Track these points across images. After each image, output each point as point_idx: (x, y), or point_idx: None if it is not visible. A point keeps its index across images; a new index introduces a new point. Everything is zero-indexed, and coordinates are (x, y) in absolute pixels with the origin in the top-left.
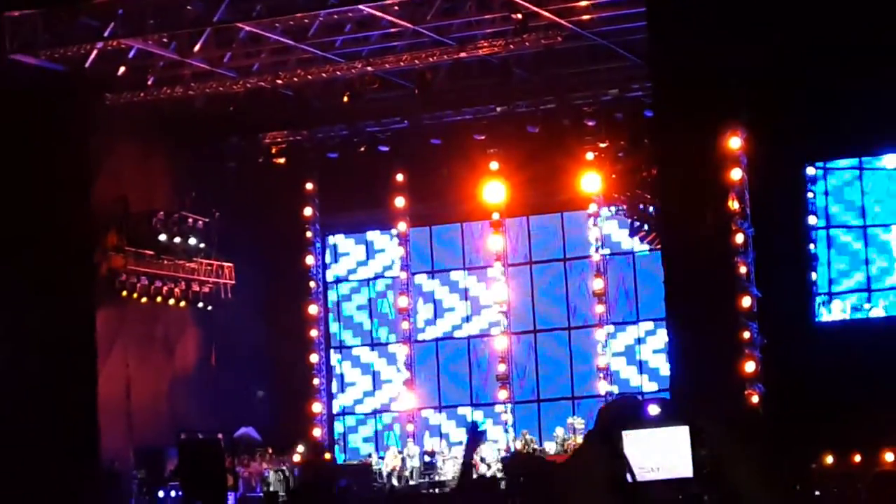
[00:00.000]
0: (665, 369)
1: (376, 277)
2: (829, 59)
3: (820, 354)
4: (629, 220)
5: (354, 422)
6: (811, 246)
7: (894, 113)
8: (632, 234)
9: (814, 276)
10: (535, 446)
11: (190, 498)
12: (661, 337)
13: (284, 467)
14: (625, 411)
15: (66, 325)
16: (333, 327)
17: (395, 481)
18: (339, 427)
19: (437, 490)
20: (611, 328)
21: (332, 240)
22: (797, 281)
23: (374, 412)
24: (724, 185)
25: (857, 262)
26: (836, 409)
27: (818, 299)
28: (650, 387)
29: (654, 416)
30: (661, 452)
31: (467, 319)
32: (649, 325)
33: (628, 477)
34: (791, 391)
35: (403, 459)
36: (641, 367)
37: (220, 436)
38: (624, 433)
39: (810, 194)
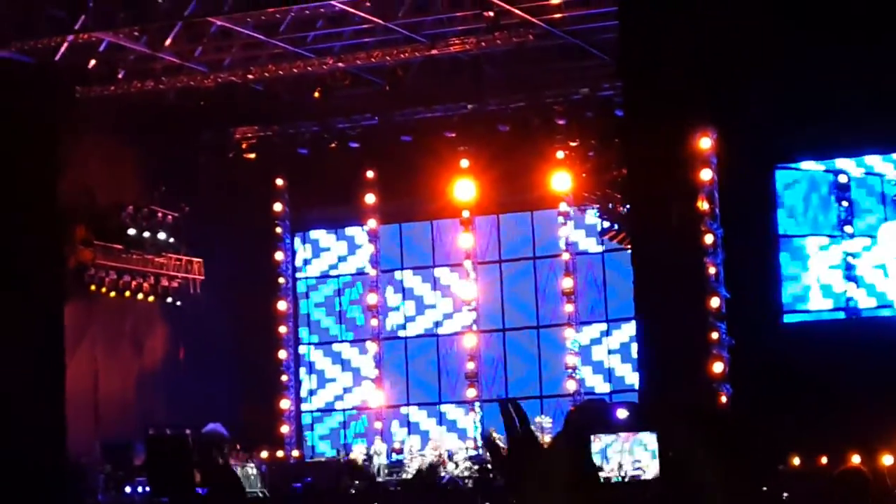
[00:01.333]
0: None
1: (345, 275)
2: (801, 59)
3: (788, 356)
4: (600, 220)
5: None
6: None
7: (866, 114)
8: (602, 234)
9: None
10: (502, 445)
11: (157, 494)
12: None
13: (253, 463)
14: (593, 415)
15: (34, 318)
16: (303, 323)
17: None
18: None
19: (400, 488)
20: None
21: (305, 236)
22: (765, 282)
23: (343, 410)
24: (693, 185)
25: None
26: (803, 411)
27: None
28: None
29: (622, 419)
30: (628, 455)
31: (436, 319)
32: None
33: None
34: (759, 392)
35: (370, 457)
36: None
37: (187, 431)
38: (592, 436)
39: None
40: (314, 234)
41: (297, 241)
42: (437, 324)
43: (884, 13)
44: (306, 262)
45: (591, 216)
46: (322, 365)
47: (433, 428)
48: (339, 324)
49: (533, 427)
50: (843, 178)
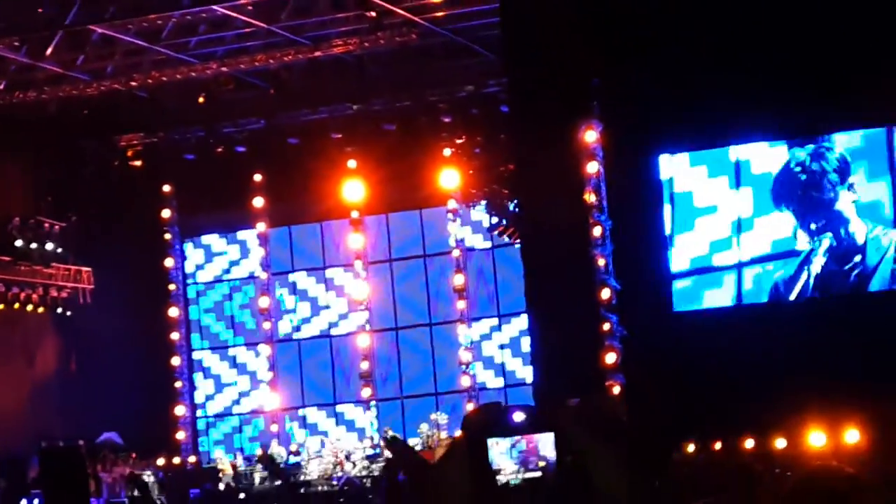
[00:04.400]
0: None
1: (235, 279)
2: (681, 48)
3: (678, 344)
4: (489, 215)
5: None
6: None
7: (749, 101)
8: (491, 229)
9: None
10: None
11: None
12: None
13: (150, 471)
14: (490, 418)
15: None
16: (195, 328)
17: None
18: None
19: (302, 490)
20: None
21: (195, 242)
22: (654, 271)
23: (240, 414)
24: (580, 177)
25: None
26: (696, 398)
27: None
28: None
29: (519, 422)
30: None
31: (321, 319)
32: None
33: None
34: (651, 381)
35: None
36: (494, 365)
37: (81, 442)
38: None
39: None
40: (204, 239)
41: (189, 246)
42: (333, 324)
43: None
44: (198, 267)
45: (479, 213)
46: (217, 370)
47: (332, 428)
48: (229, 328)
49: (427, 425)
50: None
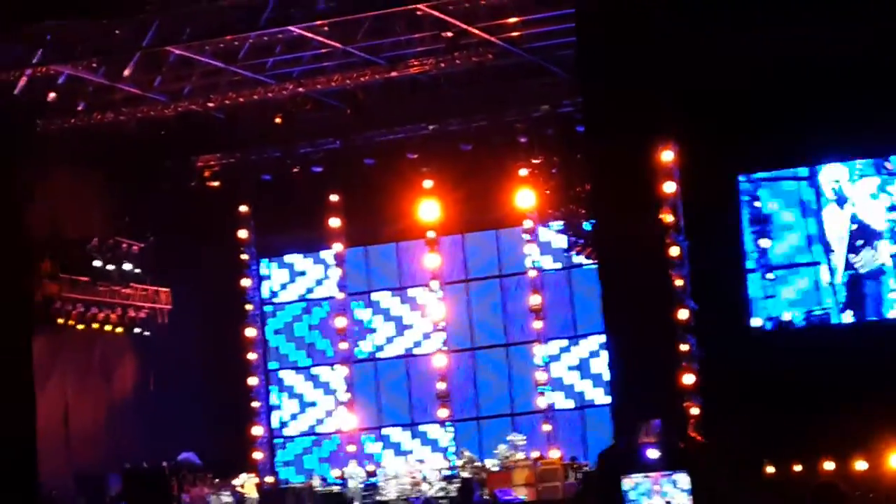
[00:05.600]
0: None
1: (312, 300)
2: (760, 69)
3: (758, 365)
4: (566, 236)
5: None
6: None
7: (825, 123)
8: (569, 249)
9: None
10: (477, 463)
11: None
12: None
13: (226, 491)
14: (624, 455)
15: (2, 353)
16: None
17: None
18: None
19: None
20: (563, 342)
21: (265, 262)
22: (732, 292)
23: (314, 434)
24: (657, 197)
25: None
26: (775, 419)
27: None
28: (604, 399)
29: (653, 459)
30: (659, 496)
31: (400, 339)
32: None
33: None
34: (730, 402)
35: (345, 480)
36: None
37: (164, 464)
38: (623, 478)
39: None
40: (280, 260)
41: (272, 265)
42: (417, 343)
43: (836, 12)
44: (282, 287)
45: (549, 233)
46: (297, 390)
47: (417, 448)
48: (299, 350)
49: (505, 446)
50: None
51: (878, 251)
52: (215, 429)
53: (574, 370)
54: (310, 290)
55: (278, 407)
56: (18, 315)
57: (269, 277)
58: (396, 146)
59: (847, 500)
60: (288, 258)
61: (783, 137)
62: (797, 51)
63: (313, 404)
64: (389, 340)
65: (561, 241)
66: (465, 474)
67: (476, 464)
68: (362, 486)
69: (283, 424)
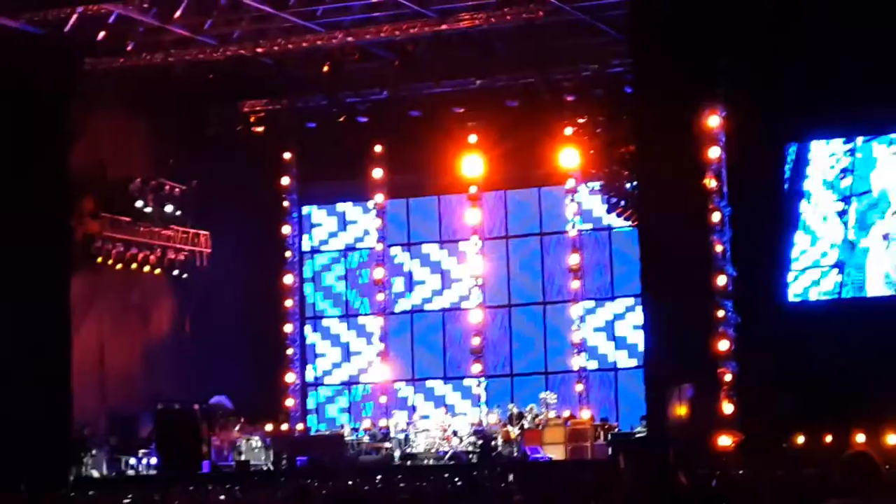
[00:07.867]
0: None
1: (352, 249)
2: (813, 36)
3: (793, 335)
4: (606, 196)
5: (331, 392)
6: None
7: (881, 92)
8: (609, 210)
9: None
10: (506, 423)
11: (166, 467)
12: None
13: (257, 436)
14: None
15: (41, 290)
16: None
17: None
18: (312, 398)
19: (409, 462)
20: (589, 304)
21: (307, 210)
22: (772, 260)
23: (347, 383)
24: (701, 162)
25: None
26: (808, 389)
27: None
28: (627, 362)
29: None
30: None
31: (439, 293)
32: (628, 301)
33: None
34: (764, 370)
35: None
36: (617, 342)
37: (195, 406)
38: None
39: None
40: (320, 208)
41: (314, 211)
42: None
43: None
44: (332, 234)
45: (585, 195)
46: (324, 346)
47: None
48: (336, 301)
49: (535, 405)
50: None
51: None
52: (248, 374)
53: (600, 331)
54: (359, 240)
55: (321, 355)
56: (58, 252)
57: (320, 225)
58: (443, 100)
59: (880, 470)
60: (339, 206)
61: (836, 107)
62: (855, 16)
63: (358, 353)
64: (438, 293)
65: (598, 202)
66: (494, 431)
67: (504, 422)
68: (403, 435)
69: (326, 373)
